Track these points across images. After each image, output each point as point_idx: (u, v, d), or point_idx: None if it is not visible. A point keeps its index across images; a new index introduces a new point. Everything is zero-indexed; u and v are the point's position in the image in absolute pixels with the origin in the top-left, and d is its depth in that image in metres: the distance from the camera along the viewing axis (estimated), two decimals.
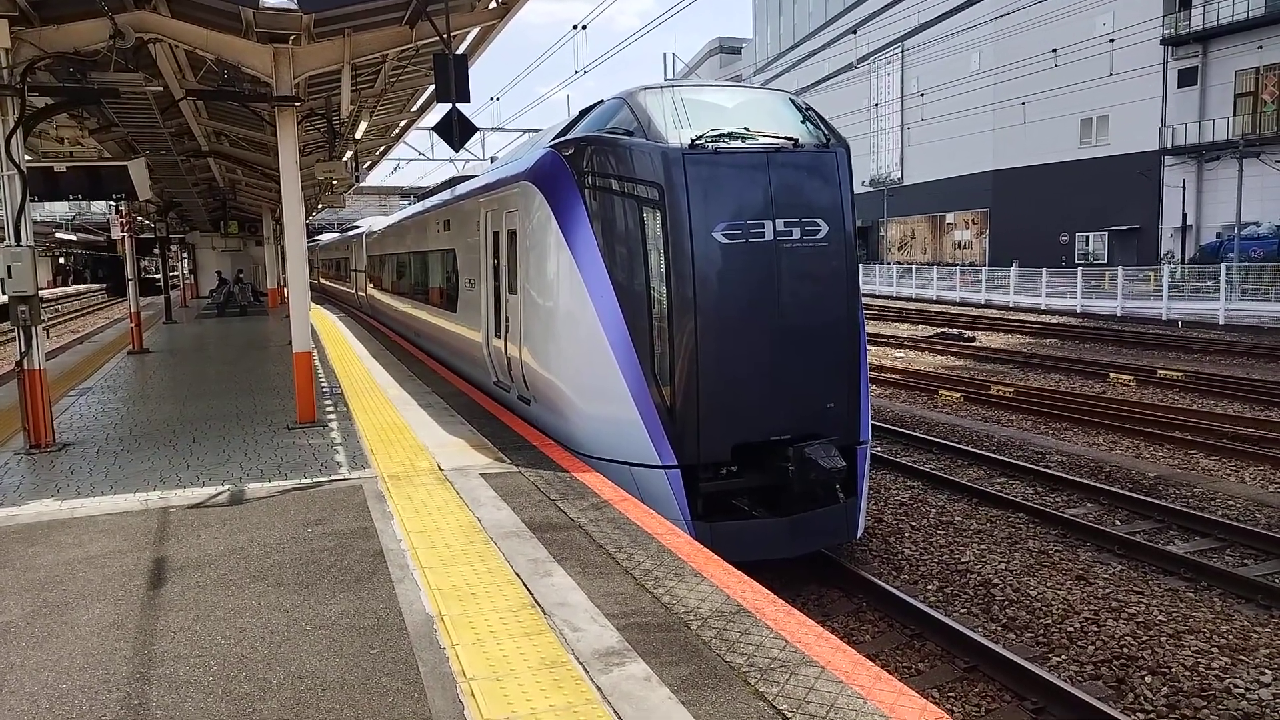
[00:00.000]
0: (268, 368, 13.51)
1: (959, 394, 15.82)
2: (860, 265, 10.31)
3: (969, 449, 11.74)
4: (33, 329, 7.92)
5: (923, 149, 54.33)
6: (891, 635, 6.61)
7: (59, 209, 52.26)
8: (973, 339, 24.99)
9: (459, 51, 9.03)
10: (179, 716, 3.41)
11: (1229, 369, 18.25)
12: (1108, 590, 7.27)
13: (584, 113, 8.67)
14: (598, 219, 7.39)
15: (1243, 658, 6.11)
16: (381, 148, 20.21)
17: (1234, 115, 36.74)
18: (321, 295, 35.91)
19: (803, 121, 7.77)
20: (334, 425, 8.89)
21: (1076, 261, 41.63)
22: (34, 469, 7.46)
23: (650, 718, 3.30)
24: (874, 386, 16.70)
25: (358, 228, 29.27)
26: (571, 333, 7.64)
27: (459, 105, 8.33)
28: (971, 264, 46.92)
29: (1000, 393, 15.69)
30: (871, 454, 8.98)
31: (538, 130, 14.56)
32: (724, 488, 7.34)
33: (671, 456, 7.02)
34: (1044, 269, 33.99)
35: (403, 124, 17.29)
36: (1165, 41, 38.98)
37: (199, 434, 8.65)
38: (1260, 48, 35.83)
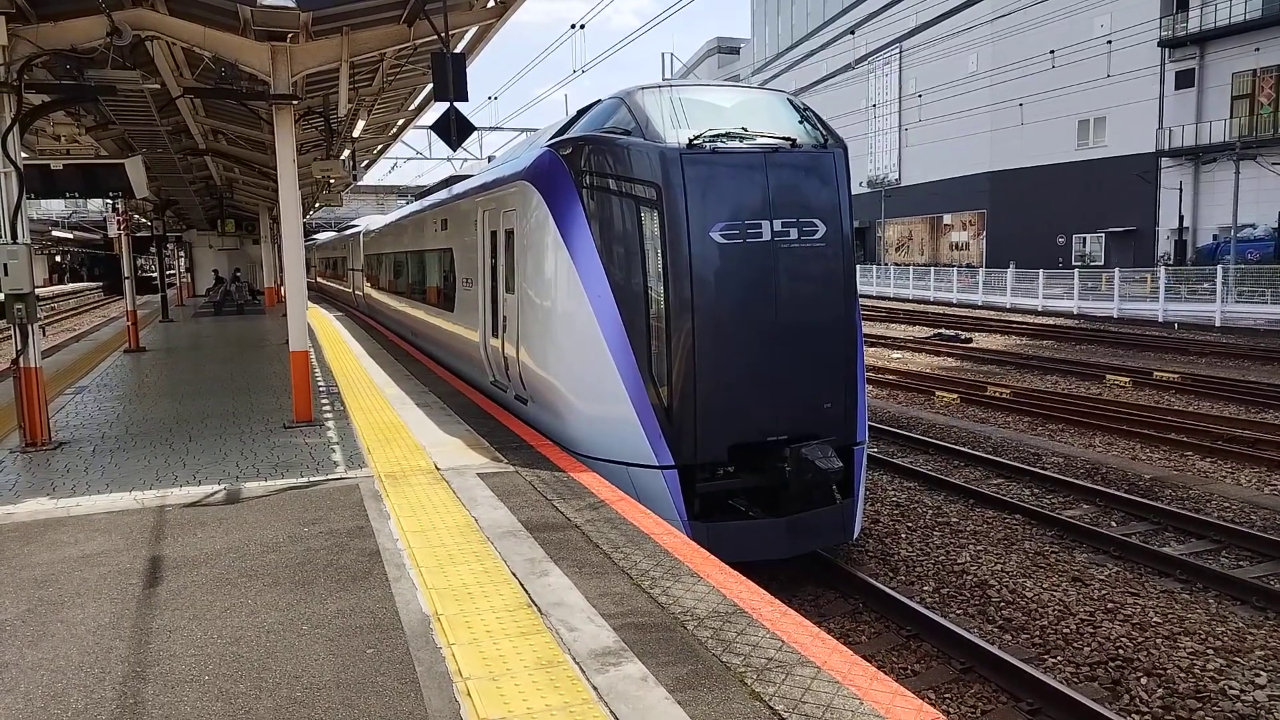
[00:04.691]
0: (264, 367, 13.49)
1: (955, 395, 15.83)
2: (857, 266, 10.30)
3: (965, 450, 11.75)
4: (29, 327, 7.91)
5: (920, 150, 54.37)
6: (888, 636, 6.61)
7: (55, 207, 52.21)
8: (969, 340, 25.01)
9: (457, 50, 9.03)
10: (175, 715, 3.40)
11: (1225, 371, 18.29)
12: (1104, 592, 7.28)
13: (582, 112, 8.67)
14: (595, 218, 7.39)
15: (1238, 659, 6.12)
16: (379, 146, 20.19)
17: (1231, 117, 36.82)
18: (319, 294, 35.87)
19: (800, 122, 7.78)
20: (331, 424, 8.88)
21: (1073, 263, 41.72)
22: (30, 467, 7.44)
23: (646, 718, 3.29)
24: (871, 387, 16.72)
25: (355, 227, 29.24)
26: (569, 332, 7.63)
27: (457, 104, 8.31)
28: (969, 265, 46.96)
29: (997, 394, 15.71)
30: (868, 455, 8.98)
31: (535, 129, 14.56)
32: (721, 488, 7.34)
33: (668, 456, 7.01)
34: (1041, 270, 34.03)
35: (400, 123, 17.27)
36: (1163, 43, 39.06)
37: (195, 433, 8.64)
38: (1257, 50, 35.90)
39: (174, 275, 39.16)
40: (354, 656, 3.84)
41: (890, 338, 25.63)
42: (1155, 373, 17.49)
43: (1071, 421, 13.47)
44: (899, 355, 22.37)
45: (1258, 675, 5.90)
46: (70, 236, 55.66)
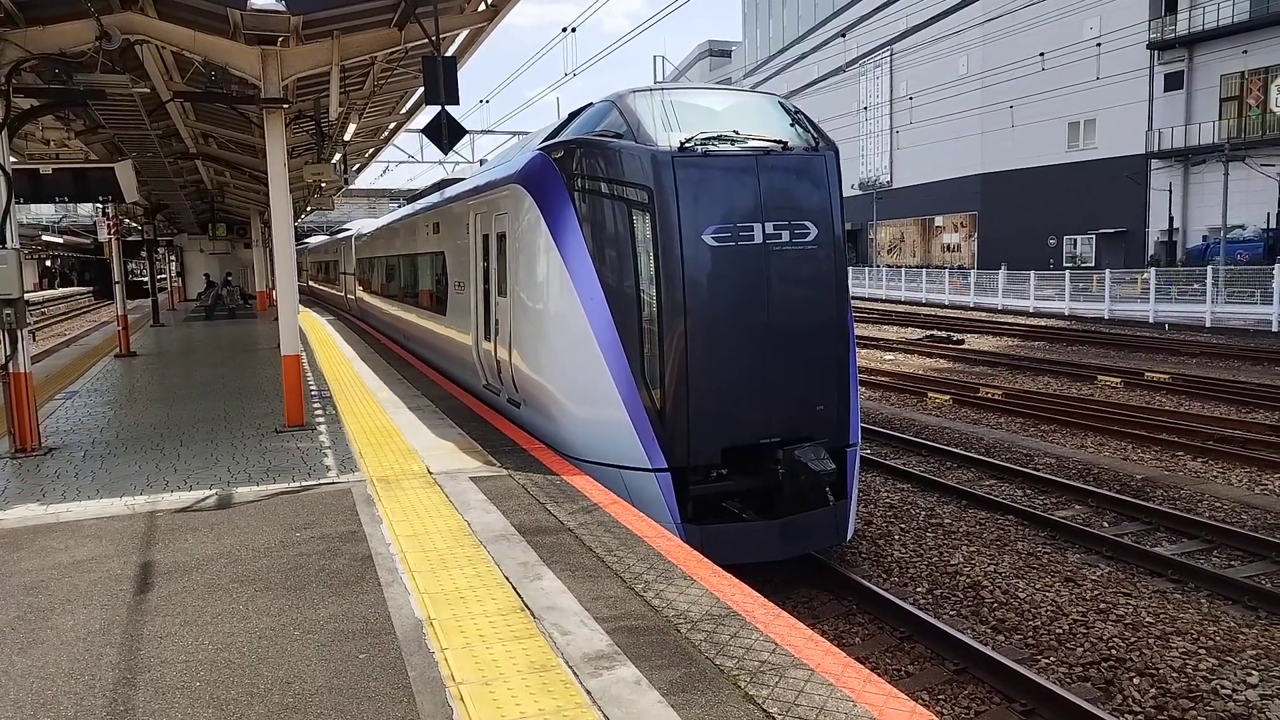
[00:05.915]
0: (256, 371, 13.45)
1: (948, 396, 15.87)
2: (849, 268, 10.32)
3: (958, 451, 11.78)
4: (18, 332, 7.86)
5: (912, 152, 54.51)
6: (881, 638, 6.61)
7: (45, 211, 51.85)
8: (961, 341, 25.08)
9: (448, 54, 9.02)
10: None
11: (1215, 371, 18.37)
12: (1096, 592, 7.30)
13: (573, 115, 8.67)
14: (587, 221, 7.39)
15: (1230, 659, 6.14)
16: (370, 150, 20.15)
17: (1219, 119, 36.97)
18: (310, 298, 35.77)
19: (792, 124, 7.79)
20: (323, 429, 8.85)
21: (1064, 264, 41.84)
22: (19, 473, 7.40)
23: None
24: (863, 389, 16.73)
25: (346, 230, 29.19)
26: (561, 335, 7.63)
27: (448, 107, 8.31)
28: (960, 267, 47.10)
29: (989, 395, 15.75)
30: (861, 456, 8.99)
31: (527, 133, 14.56)
32: (714, 490, 7.34)
33: (661, 459, 7.01)
34: (1032, 272, 34.14)
35: (392, 126, 17.22)
36: (1152, 46, 39.22)
37: (186, 438, 8.60)
38: (1245, 52, 36.07)
39: (165, 280, 39.01)
40: (346, 662, 3.83)
41: (883, 339, 25.67)
42: (1146, 373, 17.56)
43: (1063, 422, 13.51)
44: (891, 357, 22.41)
45: (1250, 674, 5.91)
46: (60, 241, 55.34)
